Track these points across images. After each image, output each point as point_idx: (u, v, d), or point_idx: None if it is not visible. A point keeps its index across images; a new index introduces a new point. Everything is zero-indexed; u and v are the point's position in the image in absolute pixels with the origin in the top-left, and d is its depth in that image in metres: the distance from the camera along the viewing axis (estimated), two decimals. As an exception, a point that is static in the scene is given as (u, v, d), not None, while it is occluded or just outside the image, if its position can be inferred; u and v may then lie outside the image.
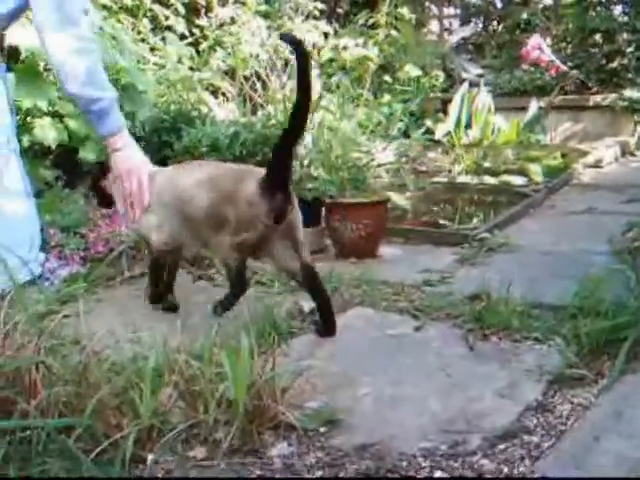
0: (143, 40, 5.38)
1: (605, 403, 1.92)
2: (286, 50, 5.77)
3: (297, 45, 2.43)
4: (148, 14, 5.67)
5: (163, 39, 5.60)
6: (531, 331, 2.38)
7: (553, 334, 2.34)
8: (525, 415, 1.87)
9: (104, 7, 4.98)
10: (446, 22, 9.74)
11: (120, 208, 2.81)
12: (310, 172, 3.69)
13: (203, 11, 6.51)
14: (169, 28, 5.79)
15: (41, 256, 2.98)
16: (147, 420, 1.69)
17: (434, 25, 9.73)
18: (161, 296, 2.81)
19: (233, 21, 6.26)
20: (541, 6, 9.01)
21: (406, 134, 6.21)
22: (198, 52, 6.00)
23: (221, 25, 6.30)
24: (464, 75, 8.01)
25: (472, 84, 6.79)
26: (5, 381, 1.70)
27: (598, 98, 7.16)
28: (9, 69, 3.09)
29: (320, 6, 6.93)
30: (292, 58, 5.62)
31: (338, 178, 3.60)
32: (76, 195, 3.56)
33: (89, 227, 3.25)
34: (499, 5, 9.45)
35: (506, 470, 1.62)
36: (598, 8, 8.01)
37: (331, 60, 7.02)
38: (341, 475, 1.63)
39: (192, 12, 6.41)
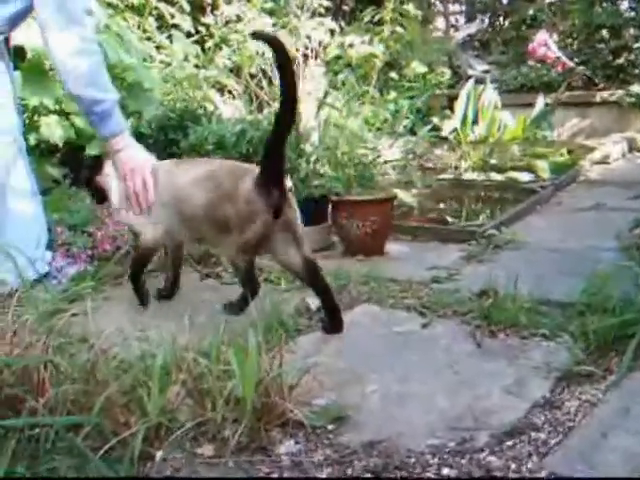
0: (149, 38, 5.38)
1: (613, 400, 1.91)
2: (292, 48, 5.76)
3: (272, 42, 2.47)
4: (154, 12, 5.67)
5: (169, 37, 5.60)
6: (539, 328, 2.38)
7: (561, 331, 2.34)
8: (533, 412, 1.87)
9: (110, 5, 4.99)
10: (452, 19, 9.73)
11: (114, 204, 2.80)
12: (316, 169, 3.69)
13: (209, 9, 6.51)
14: (175, 26, 5.79)
15: (48, 255, 2.99)
16: (155, 418, 1.69)
17: (440, 22, 9.71)
18: (146, 296, 2.82)
19: (239, 19, 6.26)
20: (547, 2, 8.98)
21: (412, 131, 6.20)
22: (204, 50, 6.00)
23: (227, 23, 6.30)
24: (470, 72, 7.99)
25: (478, 81, 6.77)
26: (14, 379, 1.70)
27: (605, 94, 7.14)
28: (15, 68, 3.10)
29: (325, 3, 6.92)
30: (298, 55, 5.64)
31: (344, 175, 3.60)
32: (83, 193, 3.56)
33: (96, 225, 3.25)
34: (505, 1, 9.44)
35: (514, 467, 1.62)
36: (604, 4, 8.00)
37: (337, 57, 7.01)
38: (349, 472, 1.63)
39: (198, 10, 6.42)
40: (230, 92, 5.78)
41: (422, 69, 7.41)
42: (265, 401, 1.77)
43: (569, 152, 5.99)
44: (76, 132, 3.76)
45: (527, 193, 4.64)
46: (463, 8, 9.90)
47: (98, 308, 2.45)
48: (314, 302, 2.65)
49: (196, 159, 2.97)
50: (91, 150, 3.70)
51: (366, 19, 6.93)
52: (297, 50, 5.72)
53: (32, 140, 3.55)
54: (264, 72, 5.80)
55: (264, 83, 5.68)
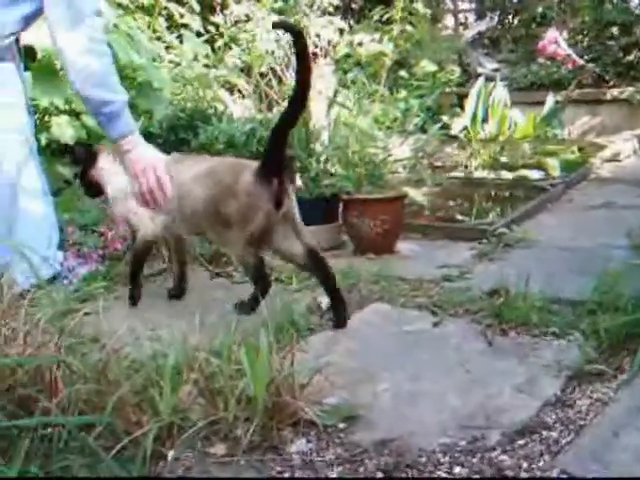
0: (159, 38, 5.39)
1: (624, 398, 1.91)
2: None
3: (294, 32, 2.56)
4: (163, 12, 5.68)
5: (179, 37, 5.61)
6: (550, 326, 2.38)
7: (572, 329, 2.33)
8: (544, 410, 1.87)
9: (119, 5, 5.00)
10: (461, 17, 9.70)
11: (111, 197, 2.81)
12: (327, 168, 3.69)
13: (218, 8, 6.52)
14: (184, 26, 5.80)
15: (59, 255, 3.00)
16: (167, 417, 1.70)
17: (449, 20, 9.69)
18: (140, 295, 2.84)
19: (248, 18, 6.27)
20: (557, -1, 8.96)
21: (423, 129, 6.19)
22: (214, 49, 6.01)
23: (236, 22, 6.31)
24: (480, 70, 7.97)
25: (488, 79, 6.75)
26: (27, 379, 1.71)
27: (615, 91, 7.11)
28: (26, 68, 3.11)
29: (335, 2, 6.93)
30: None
31: (355, 174, 3.60)
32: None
33: (107, 225, 3.27)
34: (515, -1, 9.42)
35: (525, 466, 1.62)
36: (614, 0, 7.96)
37: (347, 56, 7.02)
38: (360, 471, 1.63)
39: (207, 9, 6.43)
40: (240, 91, 5.79)
41: (432, 67, 7.39)
42: (276, 400, 1.78)
43: (580, 150, 5.97)
44: (87, 132, 3.77)
45: (538, 191, 4.63)
46: (472, 6, 9.87)
47: (109, 308, 2.46)
48: (325, 301, 2.66)
49: (195, 156, 2.97)
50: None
51: (375, 18, 6.94)
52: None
53: (43, 140, 3.56)
54: (274, 71, 5.81)
55: (274, 82, 5.69)
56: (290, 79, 5.67)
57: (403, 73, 7.31)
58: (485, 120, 6.25)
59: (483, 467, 1.62)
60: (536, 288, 2.55)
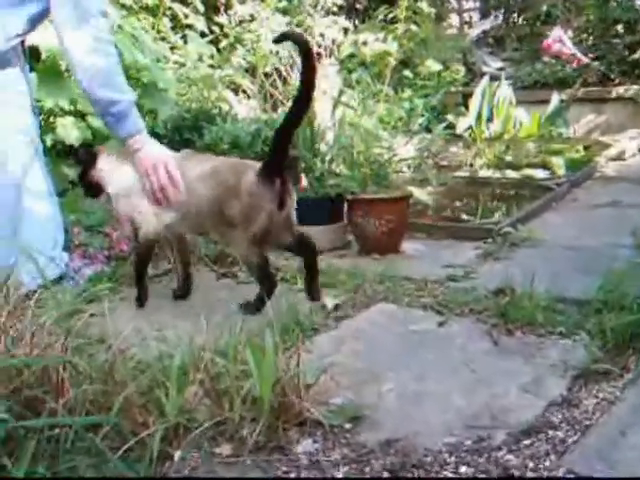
0: (163, 39, 5.40)
1: (631, 397, 1.91)
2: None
3: (297, 39, 2.68)
4: (167, 13, 5.68)
5: (183, 37, 5.62)
6: (556, 326, 2.38)
7: (578, 329, 2.33)
8: (550, 410, 1.87)
9: (123, 6, 5.00)
10: (466, 16, 9.69)
11: (113, 195, 2.81)
12: (332, 168, 3.70)
13: (222, 9, 6.52)
14: (189, 26, 5.81)
15: (65, 256, 3.00)
16: (173, 418, 1.71)
17: (454, 19, 9.68)
18: (147, 296, 2.85)
19: (253, 18, 6.27)
20: (561, -3, 8.95)
21: (427, 129, 6.19)
22: (218, 50, 6.01)
23: (240, 22, 6.32)
24: (485, 69, 7.96)
25: (493, 77, 6.75)
26: (34, 380, 1.71)
27: (620, 90, 7.09)
28: (31, 70, 3.12)
29: (339, 2, 6.93)
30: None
31: (360, 174, 3.60)
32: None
33: (112, 226, 3.27)
34: (519, -3, 9.40)
35: (531, 465, 1.62)
36: (619, -2, 7.95)
37: (351, 56, 7.01)
38: (366, 471, 1.63)
39: (211, 10, 6.43)
40: (244, 92, 5.79)
41: (436, 67, 7.39)
42: (282, 400, 1.78)
43: (585, 148, 5.96)
44: (92, 133, 3.78)
45: (543, 190, 4.62)
46: (477, 5, 9.85)
47: (115, 308, 2.46)
48: (330, 301, 2.67)
49: (198, 154, 2.98)
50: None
51: (380, 17, 6.93)
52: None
53: (48, 141, 3.57)
54: (278, 71, 5.81)
55: (278, 82, 5.69)
56: (295, 79, 5.67)
57: (408, 73, 7.31)
58: (490, 119, 6.25)
59: (489, 467, 1.62)
60: (542, 287, 2.55)
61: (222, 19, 6.38)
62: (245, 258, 2.68)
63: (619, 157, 5.99)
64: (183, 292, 2.89)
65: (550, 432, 1.76)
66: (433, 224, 3.89)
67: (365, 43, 6.98)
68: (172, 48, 5.41)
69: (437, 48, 7.63)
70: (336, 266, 3.15)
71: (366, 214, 3.41)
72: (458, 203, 4.80)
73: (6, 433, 1.48)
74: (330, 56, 6.69)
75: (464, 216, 4.30)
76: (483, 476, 1.59)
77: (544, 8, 8.78)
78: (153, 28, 5.30)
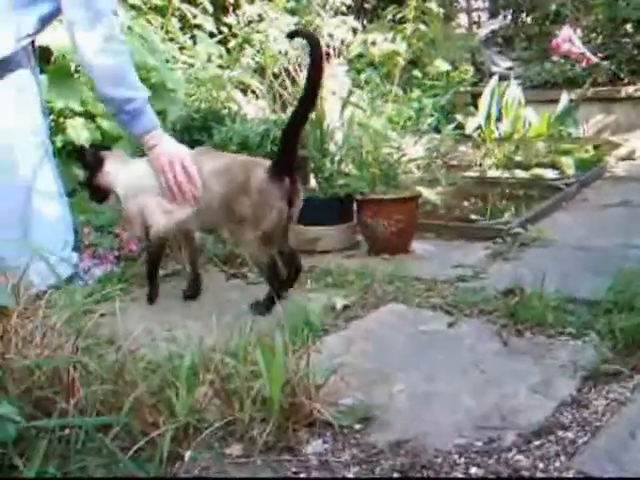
0: (172, 39, 5.41)
1: (641, 398, 1.91)
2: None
3: (310, 38, 2.69)
4: (176, 13, 5.69)
5: (192, 38, 5.62)
6: (565, 326, 2.37)
7: (588, 329, 2.33)
8: (560, 411, 1.87)
9: (133, 7, 5.02)
10: (475, 15, 9.67)
11: (122, 196, 2.82)
12: (341, 169, 3.70)
13: (231, 9, 6.52)
14: (198, 27, 5.81)
15: (74, 256, 3.01)
16: (183, 418, 1.71)
17: (463, 19, 9.66)
18: (157, 294, 2.87)
19: (261, 18, 6.27)
20: (570, -4, 8.92)
21: (437, 129, 6.19)
22: (227, 50, 6.02)
23: (249, 23, 6.32)
24: (494, 68, 7.95)
25: (502, 77, 6.73)
26: (44, 381, 1.72)
27: (630, 89, 7.06)
28: (41, 71, 3.13)
29: (348, 2, 6.93)
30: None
31: (369, 174, 3.60)
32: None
33: (122, 226, 3.28)
34: (527, -3, 9.38)
35: (541, 466, 1.61)
36: (629, -3, 7.92)
37: (360, 56, 7.01)
38: (376, 472, 1.63)
39: (220, 10, 6.43)
40: (253, 92, 5.79)
41: (445, 66, 7.38)
42: (292, 401, 1.78)
43: (594, 148, 5.94)
44: (102, 134, 3.79)
45: (552, 190, 4.61)
46: (486, 4, 9.83)
47: (125, 309, 2.47)
48: (340, 302, 2.67)
49: (212, 151, 2.99)
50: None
51: (388, 17, 6.93)
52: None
53: (58, 142, 3.58)
54: (287, 72, 5.81)
55: (287, 83, 5.69)
56: (304, 79, 5.66)
57: (416, 72, 7.29)
58: (499, 119, 6.23)
59: (499, 468, 1.62)
60: (551, 288, 2.54)
61: (231, 19, 6.38)
62: (255, 258, 2.70)
63: (629, 157, 5.97)
64: (193, 292, 2.90)
65: (560, 433, 1.75)
66: (443, 224, 3.88)
67: (374, 43, 6.97)
68: (181, 48, 5.42)
69: (446, 48, 7.61)
70: (345, 266, 3.15)
71: (375, 214, 3.41)
72: (467, 203, 4.79)
73: (18, 433, 1.49)
74: (339, 56, 6.69)
75: (473, 216, 4.29)
76: (493, 477, 1.59)
77: (553, 7, 8.76)
78: (162, 28, 5.31)
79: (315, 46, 2.59)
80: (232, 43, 6.16)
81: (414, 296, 2.79)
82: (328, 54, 6.24)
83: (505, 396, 1.95)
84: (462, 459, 1.66)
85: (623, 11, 7.66)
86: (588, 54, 7.22)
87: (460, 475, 1.60)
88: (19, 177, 2.83)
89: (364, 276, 2.99)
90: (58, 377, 1.74)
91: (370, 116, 4.40)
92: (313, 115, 3.75)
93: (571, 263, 3.08)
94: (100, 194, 2.88)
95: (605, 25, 7.97)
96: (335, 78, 5.95)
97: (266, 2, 6.39)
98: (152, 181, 2.75)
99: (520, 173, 5.22)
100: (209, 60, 5.49)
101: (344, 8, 6.86)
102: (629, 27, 7.78)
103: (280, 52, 5.90)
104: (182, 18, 5.79)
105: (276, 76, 5.80)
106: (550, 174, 5.14)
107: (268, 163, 2.63)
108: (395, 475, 1.61)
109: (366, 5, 8.60)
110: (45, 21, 2.82)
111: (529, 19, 9.25)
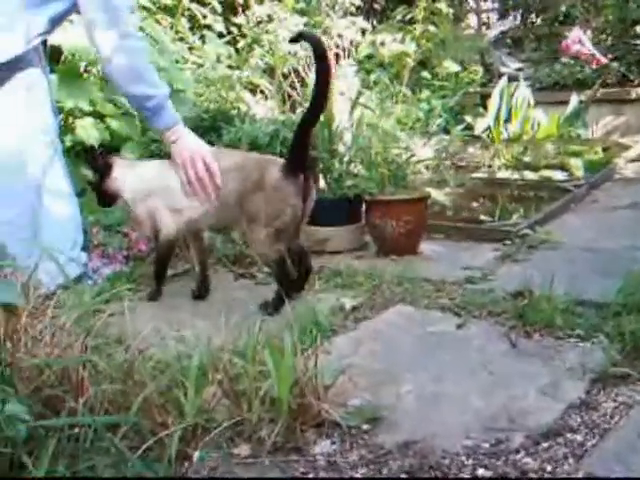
0: (181, 39, 5.41)
1: (650, 401, 1.90)
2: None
3: (312, 40, 2.72)
4: (186, 13, 5.70)
5: (201, 38, 5.63)
6: (574, 328, 2.37)
7: (596, 331, 2.32)
8: (568, 413, 1.86)
9: (143, 8, 5.02)
10: (484, 16, 9.66)
11: (131, 200, 2.84)
12: (350, 169, 3.70)
13: (240, 9, 6.52)
14: (207, 27, 5.82)
15: (83, 256, 3.02)
16: (192, 418, 1.72)
17: (472, 19, 9.65)
18: (161, 293, 2.90)
19: (270, 19, 6.28)
20: (580, -2, 8.90)
21: (445, 130, 6.18)
22: (237, 50, 6.02)
23: (258, 23, 6.32)
24: (503, 69, 7.93)
25: (511, 78, 6.72)
26: (54, 380, 1.73)
27: (640, 91, 7.06)
28: (51, 70, 3.14)
29: (357, 2, 6.92)
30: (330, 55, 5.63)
31: (378, 175, 3.60)
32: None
33: (131, 226, 3.29)
34: (537, -2, 9.36)
35: (549, 468, 1.61)
36: (639, -2, 7.90)
37: (369, 56, 7.00)
38: (384, 472, 1.64)
39: (229, 10, 6.43)
40: (262, 92, 5.79)
41: (454, 67, 7.36)
42: (301, 401, 1.79)
43: (604, 150, 5.92)
44: (111, 134, 3.80)
45: (561, 192, 4.59)
46: (495, 5, 9.81)
47: (134, 308, 2.47)
48: (348, 302, 2.67)
49: (222, 150, 3.01)
50: (126, 152, 3.75)
51: (398, 18, 6.92)
52: (329, 49, 5.71)
53: (68, 142, 3.59)
54: (296, 72, 5.81)
55: (296, 83, 5.69)
56: (313, 80, 5.66)
57: (426, 73, 7.28)
58: (508, 120, 6.22)
59: (507, 469, 1.62)
60: (560, 290, 2.54)
61: (240, 20, 6.38)
62: (265, 256, 2.71)
63: (639, 159, 5.94)
64: (201, 292, 2.91)
65: (569, 435, 1.75)
66: (451, 225, 3.88)
67: (383, 44, 6.96)
68: (190, 49, 5.42)
69: (455, 49, 7.59)
70: (354, 267, 3.15)
71: (384, 215, 3.41)
72: (476, 204, 4.79)
73: (27, 432, 1.49)
74: (348, 57, 6.68)
75: (482, 217, 4.29)
76: (500, 479, 1.59)
77: (563, 8, 8.75)
78: (171, 29, 5.32)
79: (319, 49, 2.62)
80: (241, 43, 6.16)
81: (422, 297, 2.79)
82: (337, 55, 6.23)
83: (513, 398, 1.95)
84: (470, 460, 1.66)
85: (633, 12, 7.64)
86: (598, 55, 7.21)
87: (467, 476, 1.60)
88: (29, 176, 2.84)
89: (373, 277, 3.00)
90: (67, 376, 1.74)
91: (379, 117, 4.39)
92: (322, 116, 3.76)
93: (580, 265, 3.07)
94: (108, 199, 2.91)
95: (615, 26, 7.95)
96: (344, 79, 5.94)
97: (275, 2, 6.39)
98: (160, 183, 2.78)
99: (529, 174, 5.22)
100: (218, 60, 5.49)
101: (353, 9, 6.85)
102: (639, 28, 7.76)
103: (289, 52, 5.90)
104: (191, 18, 5.79)
105: (285, 76, 5.80)
106: (559, 176, 5.13)
107: (281, 161, 2.67)
108: (403, 476, 1.62)
109: (375, 6, 8.59)
110: (56, 21, 2.83)
111: (539, 20, 9.23)
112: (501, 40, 9.06)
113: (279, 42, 5.95)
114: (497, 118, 6.20)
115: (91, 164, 2.93)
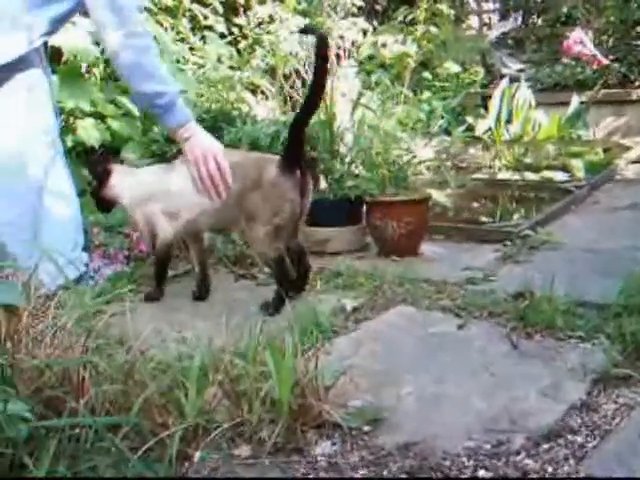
0: (183, 40, 5.41)
1: (651, 402, 1.90)
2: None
3: (320, 36, 2.69)
4: (187, 14, 5.70)
5: (203, 38, 5.63)
6: (575, 329, 2.36)
7: (597, 333, 2.32)
8: (569, 414, 1.86)
9: (145, 9, 5.02)
10: (485, 17, 9.66)
11: (130, 204, 2.85)
12: (351, 170, 3.70)
13: (242, 10, 6.52)
14: (208, 27, 5.82)
15: (84, 256, 3.02)
16: (193, 419, 1.71)
17: (473, 20, 9.66)
18: (162, 294, 2.90)
19: (272, 19, 6.27)
20: (582, -1, 8.90)
21: (447, 131, 6.18)
22: (238, 51, 6.02)
23: (260, 24, 6.32)
24: (504, 70, 7.94)
25: (512, 79, 6.73)
26: (55, 380, 1.73)
27: (641, 92, 7.06)
28: (52, 71, 3.15)
29: (358, 3, 6.92)
30: (331, 55, 5.63)
31: (379, 176, 3.60)
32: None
33: (132, 226, 3.29)
34: (539, -1, 9.37)
35: (550, 470, 1.61)
36: (640, 0, 7.90)
37: (370, 57, 7.01)
38: (384, 473, 1.63)
39: (231, 11, 6.43)
40: (263, 93, 5.79)
41: (455, 68, 7.37)
42: (301, 402, 1.78)
43: (605, 151, 5.92)
44: (112, 135, 3.80)
45: (562, 193, 4.60)
46: (497, 6, 9.83)
47: (135, 309, 2.47)
48: (349, 303, 2.67)
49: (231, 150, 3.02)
50: (126, 153, 3.75)
51: (399, 19, 6.92)
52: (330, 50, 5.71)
53: (69, 142, 3.59)
54: (297, 73, 5.81)
55: (297, 84, 5.69)
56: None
57: (427, 74, 7.29)
58: (509, 121, 6.23)
59: (508, 471, 1.62)
60: (561, 291, 2.54)
61: (241, 20, 6.38)
62: (264, 255, 2.71)
63: (639, 160, 5.95)
64: (202, 293, 2.91)
65: (569, 437, 1.75)
66: (452, 226, 3.87)
67: (384, 45, 6.97)
68: (191, 49, 5.42)
69: (456, 50, 7.60)
70: (355, 268, 3.15)
71: (385, 216, 3.41)
72: (477, 205, 4.79)
73: (28, 432, 1.49)
74: (349, 58, 6.68)
75: (483, 218, 4.29)
76: (502, 480, 1.59)
77: (564, 9, 8.75)
78: (172, 29, 5.32)
79: (322, 44, 2.62)
80: (242, 44, 6.16)
81: (423, 298, 2.79)
82: (338, 55, 6.23)
83: (514, 399, 1.95)
84: (471, 462, 1.66)
85: (634, 13, 7.65)
86: (599, 56, 7.21)
87: (468, 477, 1.60)
88: (30, 177, 2.84)
89: (373, 278, 2.99)
90: (68, 377, 1.75)
91: (380, 118, 4.40)
92: (323, 116, 3.76)
93: (581, 266, 3.07)
94: (106, 204, 2.94)
95: (616, 27, 7.96)
96: (345, 80, 5.95)
97: (277, 3, 6.39)
98: (158, 188, 2.79)
99: (530, 175, 5.22)
100: (219, 61, 5.49)
101: (355, 9, 6.85)
102: (640, 30, 7.77)
103: (291, 53, 5.90)
104: (193, 19, 5.79)
105: (286, 77, 5.80)
106: (560, 177, 5.13)
107: (278, 158, 2.67)
108: (403, 477, 1.61)
109: (377, 7, 8.59)
110: (58, 22, 2.83)
111: (540, 21, 9.24)
112: (502, 41, 9.07)
113: (280, 43, 5.94)
114: (498, 119, 6.20)
115: (90, 170, 2.95)
